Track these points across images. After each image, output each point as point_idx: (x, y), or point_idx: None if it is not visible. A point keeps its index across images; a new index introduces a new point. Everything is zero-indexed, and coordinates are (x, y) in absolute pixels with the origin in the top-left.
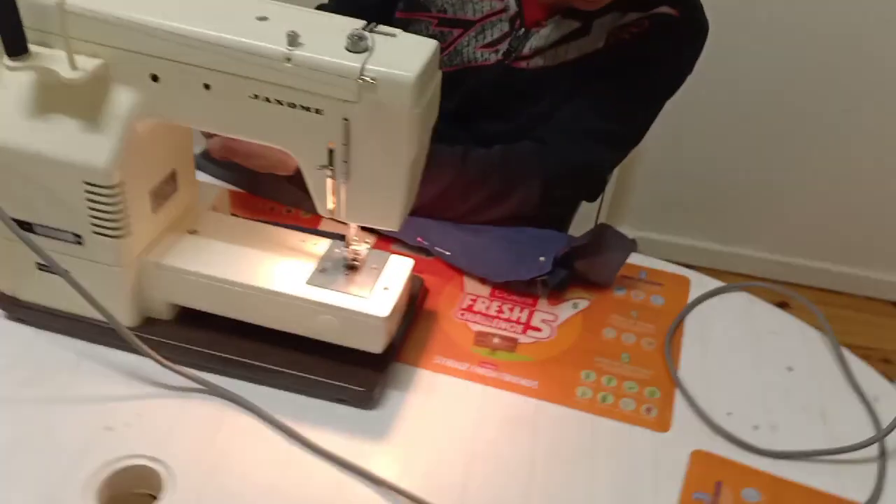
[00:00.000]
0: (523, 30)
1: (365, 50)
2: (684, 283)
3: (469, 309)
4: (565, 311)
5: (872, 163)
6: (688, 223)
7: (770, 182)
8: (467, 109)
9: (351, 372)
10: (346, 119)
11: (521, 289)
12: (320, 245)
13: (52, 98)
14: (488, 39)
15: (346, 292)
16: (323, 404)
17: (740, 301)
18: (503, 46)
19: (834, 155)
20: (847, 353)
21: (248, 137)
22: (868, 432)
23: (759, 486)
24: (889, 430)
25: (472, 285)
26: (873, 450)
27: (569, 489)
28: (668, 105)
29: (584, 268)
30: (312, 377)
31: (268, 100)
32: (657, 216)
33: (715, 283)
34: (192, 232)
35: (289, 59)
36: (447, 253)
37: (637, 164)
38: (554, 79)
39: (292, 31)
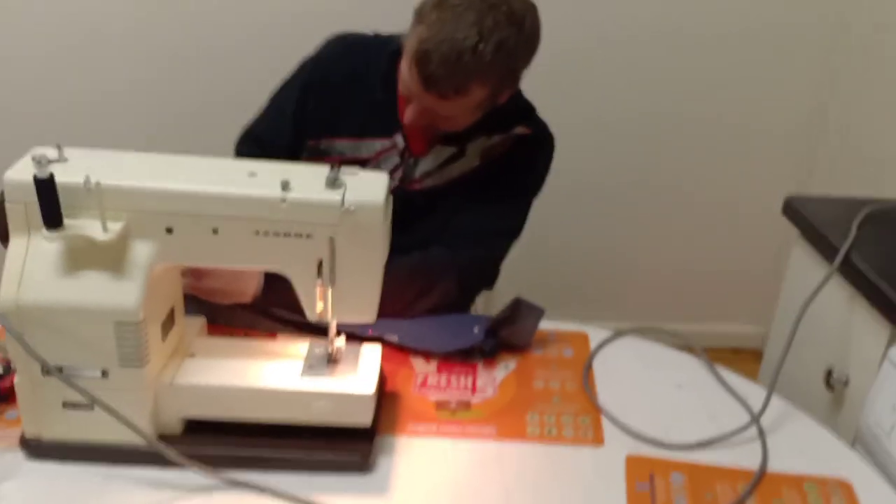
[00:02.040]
0: (412, 159)
1: (340, 186)
2: (584, 337)
3: (424, 384)
4: (500, 371)
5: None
6: (553, 306)
7: (626, 255)
8: None
9: (346, 446)
10: (331, 238)
11: (460, 360)
12: (300, 347)
13: (80, 258)
14: (384, 171)
15: (334, 379)
16: (326, 477)
17: (630, 342)
18: (398, 174)
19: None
20: (719, 369)
21: (249, 266)
22: (746, 418)
23: (680, 471)
24: (760, 413)
25: (420, 365)
26: (753, 431)
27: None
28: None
29: (507, 335)
30: (315, 457)
31: (266, 233)
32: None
33: (607, 333)
34: (191, 355)
35: (284, 200)
36: (395, 338)
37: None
38: (444, 194)
39: (284, 180)
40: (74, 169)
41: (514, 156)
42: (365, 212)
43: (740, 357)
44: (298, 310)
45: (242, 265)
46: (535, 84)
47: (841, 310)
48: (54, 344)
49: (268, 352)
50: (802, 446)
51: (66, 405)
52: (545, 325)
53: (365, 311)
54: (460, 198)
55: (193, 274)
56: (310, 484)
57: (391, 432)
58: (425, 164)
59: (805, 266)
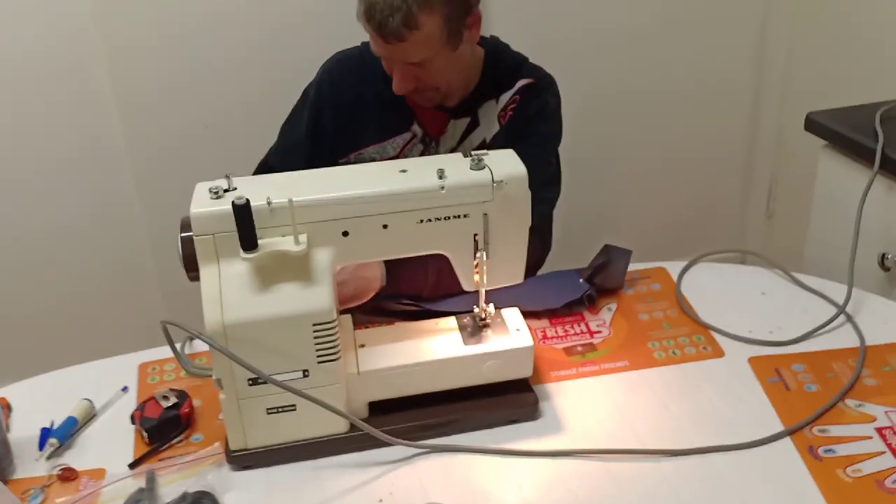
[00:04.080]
0: (434, 141)
1: (484, 167)
2: (663, 270)
3: (545, 338)
4: (605, 314)
5: None
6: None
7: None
8: None
9: (513, 399)
10: (485, 214)
11: (566, 311)
12: (449, 322)
13: (270, 274)
14: None
15: (496, 340)
16: (503, 430)
17: (704, 268)
18: None
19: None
20: (796, 274)
21: (414, 253)
22: (831, 308)
23: (798, 361)
24: (845, 304)
25: (534, 323)
26: (842, 317)
27: (695, 412)
28: None
29: (601, 280)
30: (493, 414)
31: (429, 220)
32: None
33: (681, 264)
34: (362, 346)
35: (443, 188)
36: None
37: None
38: None
39: (438, 168)
40: (251, 193)
41: (528, 107)
42: (513, 183)
43: None
44: (417, 295)
45: (410, 253)
46: None
47: (882, 200)
48: (257, 356)
49: (423, 331)
50: (885, 318)
51: (269, 411)
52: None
53: (514, 274)
54: None
55: None
56: (493, 437)
57: (539, 382)
58: (446, 141)
59: (837, 171)
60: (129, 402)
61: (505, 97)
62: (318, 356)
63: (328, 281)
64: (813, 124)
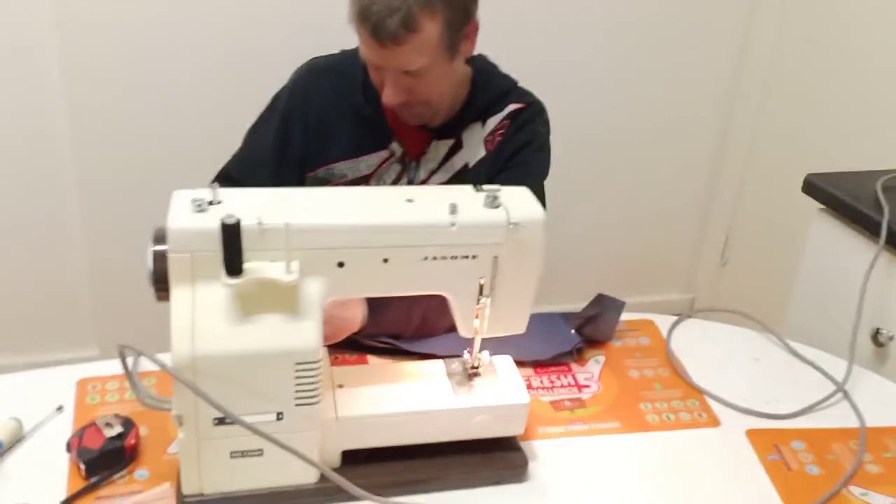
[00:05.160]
0: (413, 162)
1: (499, 205)
2: (650, 323)
3: (530, 387)
4: (593, 366)
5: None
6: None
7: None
8: None
9: (499, 458)
10: (496, 257)
11: (551, 360)
12: (436, 366)
13: (253, 302)
14: (388, 182)
15: (488, 393)
16: (486, 490)
17: (693, 325)
18: (403, 182)
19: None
20: (790, 342)
21: (414, 292)
22: (826, 381)
23: (799, 438)
24: (845, 381)
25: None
26: (840, 394)
27: (693, 489)
28: None
29: (591, 332)
30: (475, 473)
31: (435, 258)
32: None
33: (670, 319)
34: (340, 386)
35: (453, 224)
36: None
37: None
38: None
39: (452, 203)
40: (237, 211)
41: (517, 134)
42: (529, 227)
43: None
44: (397, 333)
45: (408, 292)
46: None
47: (880, 274)
48: (228, 393)
49: (407, 374)
50: (883, 400)
51: (233, 454)
52: None
53: (517, 325)
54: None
55: None
56: (474, 498)
57: (526, 437)
58: (427, 164)
59: (831, 238)
60: (65, 425)
61: (493, 121)
62: (297, 399)
63: (317, 316)
64: (812, 187)
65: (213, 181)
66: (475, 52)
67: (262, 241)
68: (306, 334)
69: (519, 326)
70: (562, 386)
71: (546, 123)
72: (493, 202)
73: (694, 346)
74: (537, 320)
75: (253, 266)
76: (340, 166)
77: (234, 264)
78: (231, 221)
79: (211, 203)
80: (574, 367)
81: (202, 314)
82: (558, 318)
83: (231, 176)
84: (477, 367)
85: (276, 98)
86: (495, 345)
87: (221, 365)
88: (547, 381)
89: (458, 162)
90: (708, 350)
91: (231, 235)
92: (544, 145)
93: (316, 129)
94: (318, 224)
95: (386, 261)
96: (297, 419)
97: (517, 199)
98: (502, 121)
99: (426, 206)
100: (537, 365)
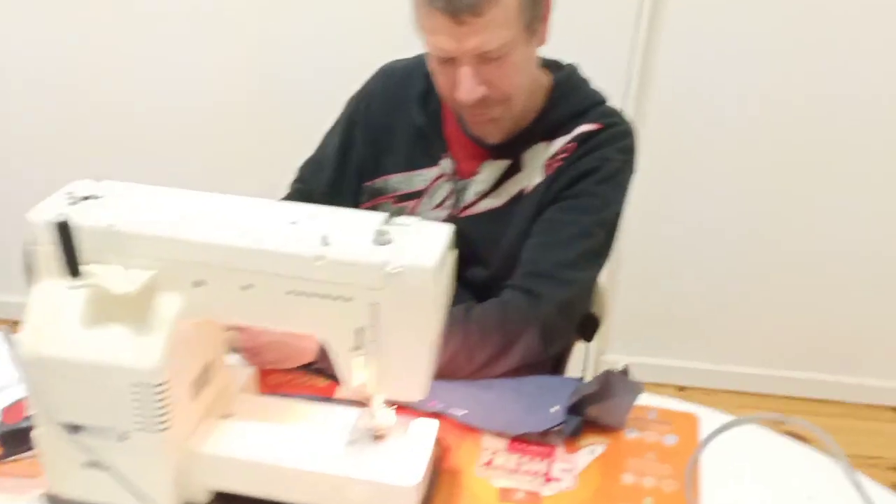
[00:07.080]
0: (463, 181)
1: (388, 242)
2: (693, 420)
3: (489, 464)
4: (583, 457)
5: (855, 269)
6: (675, 344)
7: (751, 294)
8: None
9: None
10: (374, 303)
11: (537, 438)
12: (348, 415)
13: (103, 309)
14: (437, 201)
15: (375, 464)
16: None
17: (751, 434)
18: (449, 202)
19: (813, 265)
20: (861, 478)
21: (282, 328)
22: None
23: None
24: None
25: (489, 440)
26: None
27: None
28: (643, 224)
29: (596, 413)
30: None
31: (302, 293)
32: (643, 339)
33: (723, 419)
34: (227, 416)
35: (322, 258)
36: (460, 414)
37: (617, 289)
38: (507, 219)
39: (323, 234)
40: (105, 208)
41: (582, 160)
42: (414, 275)
43: (875, 412)
44: None
45: (273, 326)
46: None
47: None
48: (75, 400)
49: (311, 418)
50: None
51: (88, 464)
52: (645, 399)
53: (413, 389)
54: (528, 222)
55: (248, 351)
56: None
57: None
58: (477, 184)
59: None
60: None
61: (559, 142)
62: (136, 422)
63: (165, 335)
64: None
65: (294, 179)
66: (569, 62)
67: (114, 245)
68: (148, 353)
69: (414, 393)
70: (527, 472)
71: (626, 152)
72: (381, 237)
73: (735, 462)
74: (535, 383)
75: (96, 269)
76: (394, 179)
77: (70, 265)
78: (60, 219)
79: (87, 198)
80: (559, 451)
81: (57, 314)
82: (558, 384)
83: (301, 173)
84: (380, 431)
85: (350, 100)
86: (465, 400)
87: (64, 368)
88: (514, 461)
89: (513, 186)
90: (751, 471)
91: (63, 235)
92: (617, 177)
93: (375, 136)
94: (171, 236)
95: (247, 287)
96: (142, 444)
97: (418, 237)
98: (569, 142)
99: (302, 233)
100: (516, 439)
